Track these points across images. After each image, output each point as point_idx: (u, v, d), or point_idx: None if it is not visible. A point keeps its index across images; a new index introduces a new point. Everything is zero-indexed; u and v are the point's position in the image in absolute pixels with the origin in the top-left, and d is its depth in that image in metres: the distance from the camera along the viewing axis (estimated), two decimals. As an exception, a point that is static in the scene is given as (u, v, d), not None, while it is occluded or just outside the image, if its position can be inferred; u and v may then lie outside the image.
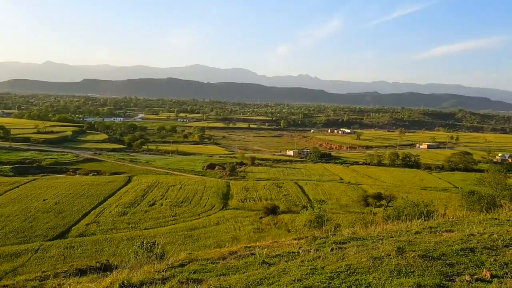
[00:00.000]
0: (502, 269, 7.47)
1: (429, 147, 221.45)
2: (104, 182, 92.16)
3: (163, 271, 8.80)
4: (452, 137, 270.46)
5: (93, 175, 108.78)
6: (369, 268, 7.74)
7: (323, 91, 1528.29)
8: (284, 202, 79.43)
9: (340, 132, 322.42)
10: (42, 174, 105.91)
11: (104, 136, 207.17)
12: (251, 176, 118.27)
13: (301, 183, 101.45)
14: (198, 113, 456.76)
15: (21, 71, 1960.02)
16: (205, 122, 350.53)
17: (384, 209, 60.85)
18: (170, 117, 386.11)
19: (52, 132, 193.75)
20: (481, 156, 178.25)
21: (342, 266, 7.96)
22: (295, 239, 12.67)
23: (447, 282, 6.91)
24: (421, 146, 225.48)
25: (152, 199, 77.91)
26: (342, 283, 7.07)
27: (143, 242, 24.43)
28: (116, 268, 13.08)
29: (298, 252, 9.99)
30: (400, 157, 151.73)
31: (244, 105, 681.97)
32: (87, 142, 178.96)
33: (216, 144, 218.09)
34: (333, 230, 14.43)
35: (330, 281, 7.22)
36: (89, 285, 8.90)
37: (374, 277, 7.24)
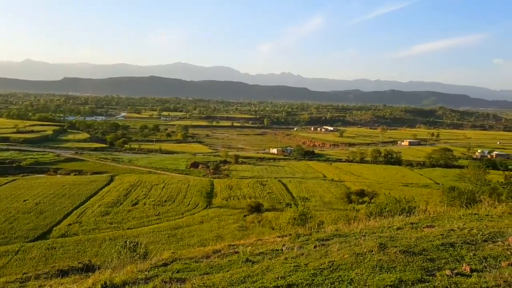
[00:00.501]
0: (481, 263, 7.61)
1: (410, 144, 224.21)
2: (86, 182, 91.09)
3: (146, 271, 8.75)
4: (432, 134, 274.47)
5: (74, 174, 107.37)
6: (351, 264, 7.81)
7: (306, 89, 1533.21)
8: (268, 200, 79.60)
9: (323, 129, 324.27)
10: (22, 174, 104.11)
11: (85, 135, 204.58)
12: (235, 174, 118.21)
13: (284, 180, 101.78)
14: (181, 111, 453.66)
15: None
16: (188, 121, 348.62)
17: (366, 205, 61.51)
18: (153, 116, 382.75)
19: (32, 132, 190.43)
20: (461, 152, 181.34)
21: (325, 263, 8.02)
22: (279, 237, 12.71)
23: (428, 277, 7.01)
24: (402, 143, 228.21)
25: (135, 199, 77.30)
26: (325, 279, 7.12)
27: (126, 242, 24.18)
28: (98, 268, 12.95)
29: (282, 250, 10.02)
30: (382, 154, 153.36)
31: (228, 103, 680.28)
32: (68, 142, 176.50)
33: (200, 142, 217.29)
34: (316, 227, 14.55)
35: (313, 277, 7.26)
36: (71, 286, 8.80)
37: (356, 273, 7.31)
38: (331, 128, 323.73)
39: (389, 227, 12.11)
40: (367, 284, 6.79)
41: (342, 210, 65.38)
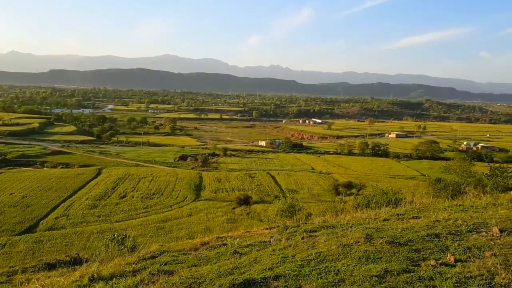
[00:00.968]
0: (466, 254, 7.73)
1: (397, 136, 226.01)
2: (73, 175, 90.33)
3: (134, 264, 8.74)
4: (419, 127, 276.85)
5: (61, 167, 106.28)
6: (338, 255, 7.88)
7: (294, 81, 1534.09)
8: (256, 192, 79.76)
9: (311, 122, 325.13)
10: (8, 167, 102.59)
11: (72, 128, 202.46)
12: (224, 167, 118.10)
13: (273, 173, 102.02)
14: (169, 104, 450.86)
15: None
16: (177, 113, 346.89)
17: (354, 197, 61.79)
18: (141, 108, 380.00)
19: (18, 124, 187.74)
20: (447, 144, 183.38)
21: (312, 254, 8.08)
22: (267, 229, 12.77)
23: (413, 267, 7.11)
24: (390, 136, 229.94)
25: (123, 191, 76.90)
26: (312, 270, 7.18)
27: (114, 235, 24.14)
28: (86, 261, 12.92)
29: (270, 241, 10.07)
30: (370, 147, 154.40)
31: (216, 95, 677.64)
32: (55, 134, 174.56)
33: (188, 135, 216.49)
34: (304, 219, 14.63)
35: (301, 269, 7.32)
36: (58, 279, 8.74)
37: (343, 263, 7.39)
38: (320, 121, 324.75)
39: (376, 218, 12.23)
40: (354, 274, 6.86)
41: (330, 202, 65.66)
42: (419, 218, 11.73)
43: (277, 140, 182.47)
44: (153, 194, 76.29)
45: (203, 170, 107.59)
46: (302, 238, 9.88)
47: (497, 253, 7.59)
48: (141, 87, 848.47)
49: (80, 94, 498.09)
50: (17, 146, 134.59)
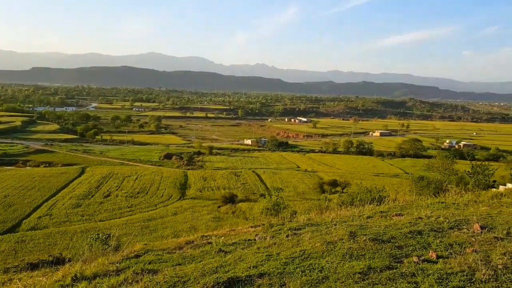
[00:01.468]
0: (447, 250, 7.83)
1: (381, 134, 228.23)
2: (56, 174, 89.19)
3: (117, 263, 8.67)
4: (403, 125, 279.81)
5: (44, 166, 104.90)
6: (322, 253, 7.93)
7: (280, 80, 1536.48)
8: (242, 190, 79.72)
9: (297, 120, 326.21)
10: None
11: (55, 126, 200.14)
12: (209, 165, 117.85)
13: (259, 171, 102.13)
14: (154, 102, 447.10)
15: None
16: (162, 112, 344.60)
17: (339, 195, 62.24)
18: (125, 107, 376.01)
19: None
20: (430, 143, 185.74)
21: (296, 252, 8.12)
22: (252, 227, 12.79)
23: (395, 264, 7.19)
24: (374, 134, 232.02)
25: (107, 191, 76.22)
26: (297, 268, 7.22)
27: (98, 234, 23.96)
28: (69, 261, 12.77)
29: (255, 240, 10.08)
30: (354, 145, 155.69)
31: (202, 94, 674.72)
32: (38, 133, 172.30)
33: (173, 133, 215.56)
34: (289, 217, 14.66)
35: (285, 266, 7.35)
36: (41, 279, 8.63)
37: (327, 261, 7.44)
38: (305, 119, 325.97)
39: (360, 216, 12.32)
40: (337, 271, 6.91)
41: (315, 200, 65.96)
42: (402, 215, 11.86)
43: (263, 139, 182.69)
44: (138, 193, 75.76)
45: (188, 169, 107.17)
46: (287, 236, 9.91)
47: (478, 250, 7.71)
48: (125, 85, 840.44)
49: (64, 92, 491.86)
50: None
